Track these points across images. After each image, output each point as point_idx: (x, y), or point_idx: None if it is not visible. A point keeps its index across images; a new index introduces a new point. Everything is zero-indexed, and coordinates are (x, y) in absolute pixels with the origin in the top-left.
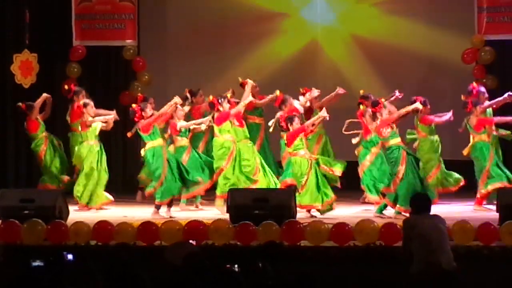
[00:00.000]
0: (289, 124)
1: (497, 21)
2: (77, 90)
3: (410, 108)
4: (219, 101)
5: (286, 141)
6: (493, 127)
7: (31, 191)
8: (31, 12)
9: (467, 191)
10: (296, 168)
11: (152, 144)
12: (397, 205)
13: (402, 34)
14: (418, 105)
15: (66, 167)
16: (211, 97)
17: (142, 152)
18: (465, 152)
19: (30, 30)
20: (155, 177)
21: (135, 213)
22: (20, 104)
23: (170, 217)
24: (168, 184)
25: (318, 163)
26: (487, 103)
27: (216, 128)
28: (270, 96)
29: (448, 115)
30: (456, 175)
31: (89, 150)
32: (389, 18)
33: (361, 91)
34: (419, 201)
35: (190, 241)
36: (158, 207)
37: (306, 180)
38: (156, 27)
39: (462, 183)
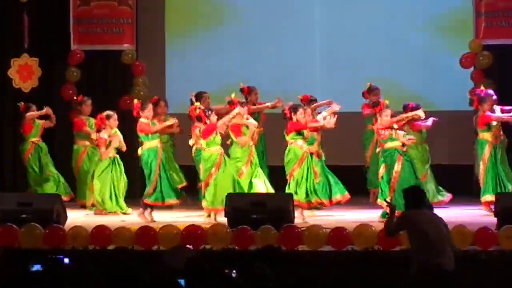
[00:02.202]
0: (292, 114)
1: (495, 26)
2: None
3: (410, 114)
4: (207, 114)
5: (286, 130)
6: (501, 132)
7: (29, 195)
8: (30, 16)
9: (465, 195)
10: (290, 156)
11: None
12: None
13: (400, 38)
14: (420, 112)
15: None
16: (197, 110)
17: (139, 151)
18: None
19: (29, 34)
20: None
21: (133, 218)
22: (19, 104)
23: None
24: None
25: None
26: (498, 113)
27: (202, 142)
28: (269, 103)
29: (429, 121)
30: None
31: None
32: (387, 22)
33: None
34: (414, 194)
35: (188, 245)
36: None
37: (293, 170)
38: (155, 31)
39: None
